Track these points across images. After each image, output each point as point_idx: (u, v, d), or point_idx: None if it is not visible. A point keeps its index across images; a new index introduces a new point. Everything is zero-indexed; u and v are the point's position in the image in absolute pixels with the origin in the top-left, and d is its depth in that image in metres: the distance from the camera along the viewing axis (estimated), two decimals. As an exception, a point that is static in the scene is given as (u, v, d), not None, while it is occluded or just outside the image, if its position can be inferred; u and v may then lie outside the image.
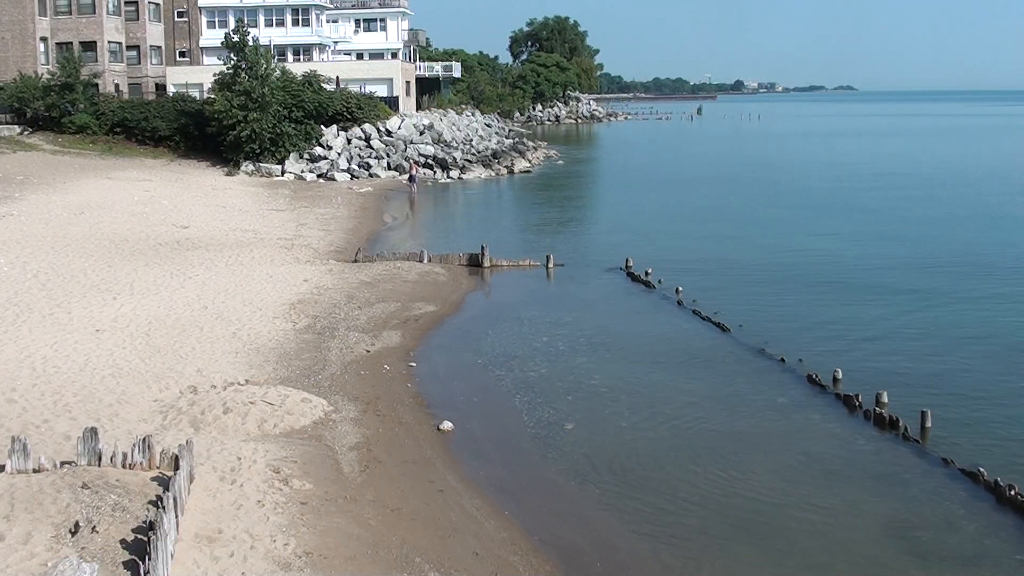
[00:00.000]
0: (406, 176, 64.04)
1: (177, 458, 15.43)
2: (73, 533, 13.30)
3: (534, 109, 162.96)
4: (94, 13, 74.77)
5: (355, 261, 36.49)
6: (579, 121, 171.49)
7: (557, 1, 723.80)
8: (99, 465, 15.33)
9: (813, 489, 17.55)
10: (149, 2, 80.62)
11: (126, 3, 78.43)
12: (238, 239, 39.77)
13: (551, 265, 36.85)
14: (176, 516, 13.82)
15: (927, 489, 17.50)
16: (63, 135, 66.40)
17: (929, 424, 19.81)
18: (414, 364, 24.50)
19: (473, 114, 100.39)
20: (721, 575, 14.76)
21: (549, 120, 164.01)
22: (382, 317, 28.44)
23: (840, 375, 22.76)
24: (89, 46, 74.44)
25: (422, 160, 69.82)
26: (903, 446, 19.38)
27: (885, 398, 21.07)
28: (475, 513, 16.37)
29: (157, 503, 14.06)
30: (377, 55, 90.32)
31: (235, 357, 23.51)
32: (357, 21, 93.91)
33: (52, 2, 74.20)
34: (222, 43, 65.84)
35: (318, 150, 66.63)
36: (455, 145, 76.13)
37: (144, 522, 13.64)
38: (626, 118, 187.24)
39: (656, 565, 15.00)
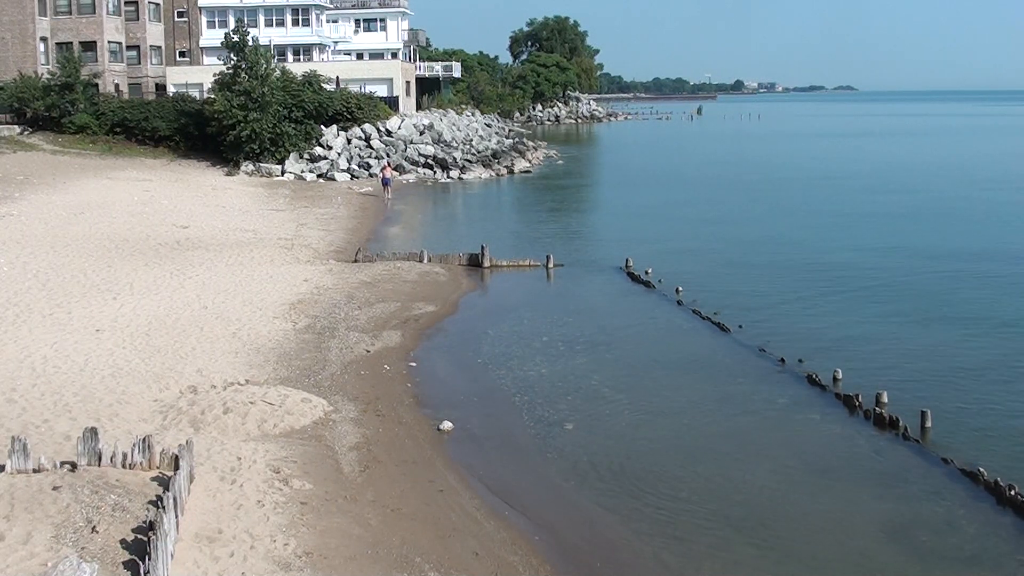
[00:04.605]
0: (379, 179, 60.41)
1: (177, 458, 15.43)
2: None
3: (534, 109, 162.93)
4: (94, 13, 74.77)
5: (355, 261, 36.50)
6: (579, 121, 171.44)
7: (557, 1, 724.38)
8: (99, 465, 15.33)
9: (813, 489, 17.55)
10: (149, 2, 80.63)
11: (126, 3, 78.43)
12: (238, 239, 39.76)
13: (551, 265, 36.84)
14: (176, 516, 13.82)
15: (927, 489, 17.50)
16: (63, 135, 66.36)
17: (929, 424, 19.81)
18: (414, 364, 24.50)
19: (473, 114, 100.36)
20: (721, 575, 14.76)
21: (549, 120, 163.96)
22: (382, 317, 28.44)
23: (840, 375, 22.75)
24: (89, 46, 74.42)
25: (421, 160, 69.78)
26: (903, 446, 19.37)
27: (885, 398, 21.06)
28: (475, 513, 16.36)
29: (157, 503, 14.05)
30: (377, 55, 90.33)
31: (235, 357, 23.51)
32: (357, 21, 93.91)
33: (52, 2, 74.18)
34: (222, 43, 65.81)
35: (318, 150, 66.61)
36: (455, 145, 76.12)
37: (144, 522, 13.64)
38: (626, 118, 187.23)
39: (656, 565, 14.99)
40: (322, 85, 68.86)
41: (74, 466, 15.21)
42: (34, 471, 14.96)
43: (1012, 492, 16.63)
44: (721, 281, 34.39)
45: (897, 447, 19.36)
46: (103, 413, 19.02)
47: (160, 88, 78.37)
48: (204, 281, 31.32)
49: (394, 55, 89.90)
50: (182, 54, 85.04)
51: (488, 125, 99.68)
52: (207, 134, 64.77)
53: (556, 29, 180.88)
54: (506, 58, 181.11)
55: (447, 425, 20.22)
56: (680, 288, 32.07)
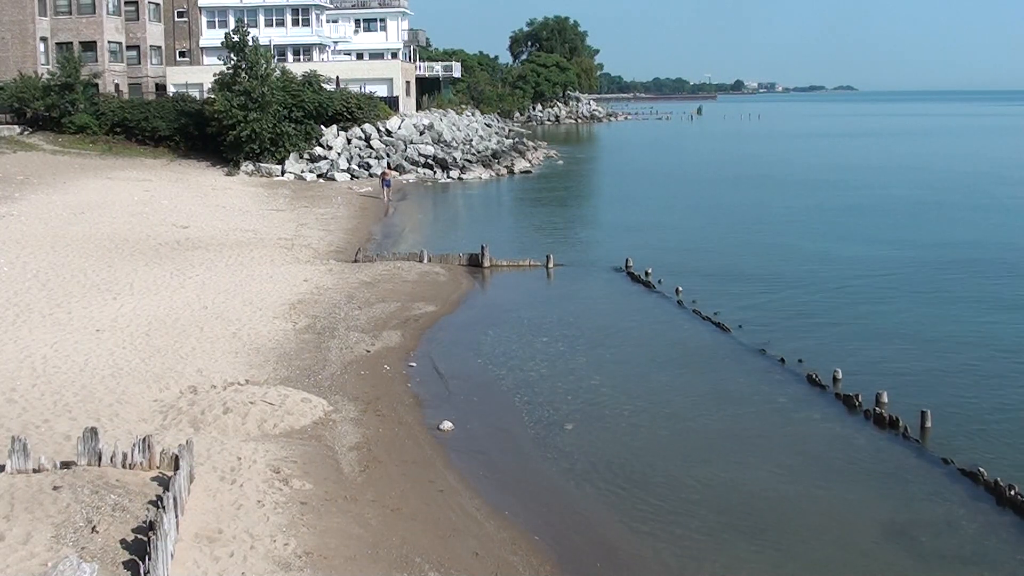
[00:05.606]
0: (380, 180, 59.56)
1: (177, 458, 15.43)
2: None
3: (534, 109, 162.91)
4: (94, 13, 74.74)
5: (355, 261, 36.50)
6: (579, 121, 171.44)
7: (557, 1, 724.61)
8: (99, 465, 15.33)
9: (813, 489, 17.55)
10: (149, 2, 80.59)
11: (126, 3, 78.38)
12: (238, 239, 39.77)
13: (551, 265, 36.84)
14: (176, 516, 13.82)
15: (927, 489, 17.50)
16: (63, 135, 66.36)
17: (929, 424, 19.82)
18: (414, 364, 24.50)
19: (473, 114, 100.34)
20: (721, 575, 14.76)
21: (549, 120, 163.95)
22: (382, 317, 28.44)
23: (840, 375, 22.76)
24: (89, 46, 74.38)
25: (421, 160, 69.77)
26: (903, 446, 19.38)
27: (885, 398, 21.06)
28: (475, 513, 16.37)
29: (157, 503, 14.06)
30: (377, 55, 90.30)
31: (235, 357, 23.51)
32: (357, 21, 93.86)
33: (52, 2, 74.15)
34: (222, 43, 65.80)
35: (318, 150, 66.61)
36: (455, 145, 76.12)
37: (144, 522, 13.64)
38: (626, 118, 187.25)
39: (656, 565, 15.00)
40: (322, 85, 68.85)
41: (73, 465, 15.20)
42: (34, 471, 14.96)
43: (1012, 492, 16.64)
44: (721, 281, 34.38)
45: (897, 447, 19.36)
46: (103, 413, 19.02)
47: (160, 88, 78.34)
48: (204, 281, 31.32)
49: (394, 55, 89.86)
50: (182, 54, 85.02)
51: (488, 125, 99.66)
52: (207, 134, 64.76)
53: (556, 29, 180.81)
54: (506, 58, 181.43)
55: (447, 425, 20.23)
56: (680, 288, 32.07)
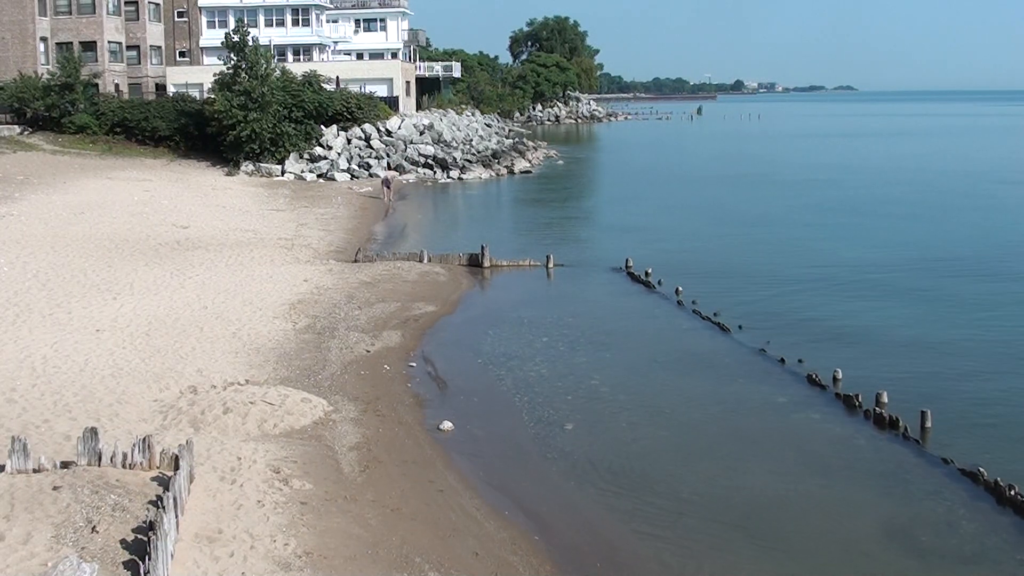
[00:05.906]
0: (381, 179, 59.62)
1: (177, 458, 15.43)
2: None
3: (534, 109, 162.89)
4: (94, 13, 74.74)
5: (355, 261, 36.50)
6: (579, 121, 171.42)
7: (557, 1, 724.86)
8: (99, 465, 15.33)
9: (813, 489, 17.55)
10: (149, 2, 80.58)
11: (126, 3, 78.38)
12: (238, 239, 39.76)
13: (551, 265, 36.84)
14: (176, 516, 13.82)
15: (927, 489, 17.50)
16: (63, 135, 66.36)
17: (929, 424, 19.81)
18: (414, 364, 24.50)
19: (473, 114, 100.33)
20: (721, 575, 14.76)
21: (549, 120, 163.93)
22: (382, 317, 28.44)
23: (840, 375, 22.75)
24: (89, 46, 74.38)
25: (421, 160, 69.76)
26: (903, 446, 19.38)
27: (885, 398, 21.06)
28: (475, 513, 16.37)
29: (157, 503, 14.06)
30: (377, 55, 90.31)
31: (235, 357, 23.51)
32: (357, 21, 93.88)
33: (52, 2, 74.14)
34: (222, 43, 65.81)
35: (318, 150, 66.60)
36: (455, 145, 76.10)
37: (144, 522, 13.64)
38: (626, 118, 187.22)
39: (656, 565, 15.00)
40: (322, 85, 68.85)
41: (73, 465, 15.21)
42: (34, 471, 14.96)
43: (1012, 492, 16.64)
44: (721, 281, 34.37)
45: (897, 447, 19.36)
46: (103, 413, 19.02)
47: (160, 88, 78.34)
48: (204, 281, 31.32)
49: (394, 55, 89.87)
50: (182, 54, 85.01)
51: (488, 125, 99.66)
52: (207, 134, 64.77)
53: (556, 29, 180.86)
54: (506, 58, 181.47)
55: (447, 425, 20.23)
56: (680, 288, 32.06)
